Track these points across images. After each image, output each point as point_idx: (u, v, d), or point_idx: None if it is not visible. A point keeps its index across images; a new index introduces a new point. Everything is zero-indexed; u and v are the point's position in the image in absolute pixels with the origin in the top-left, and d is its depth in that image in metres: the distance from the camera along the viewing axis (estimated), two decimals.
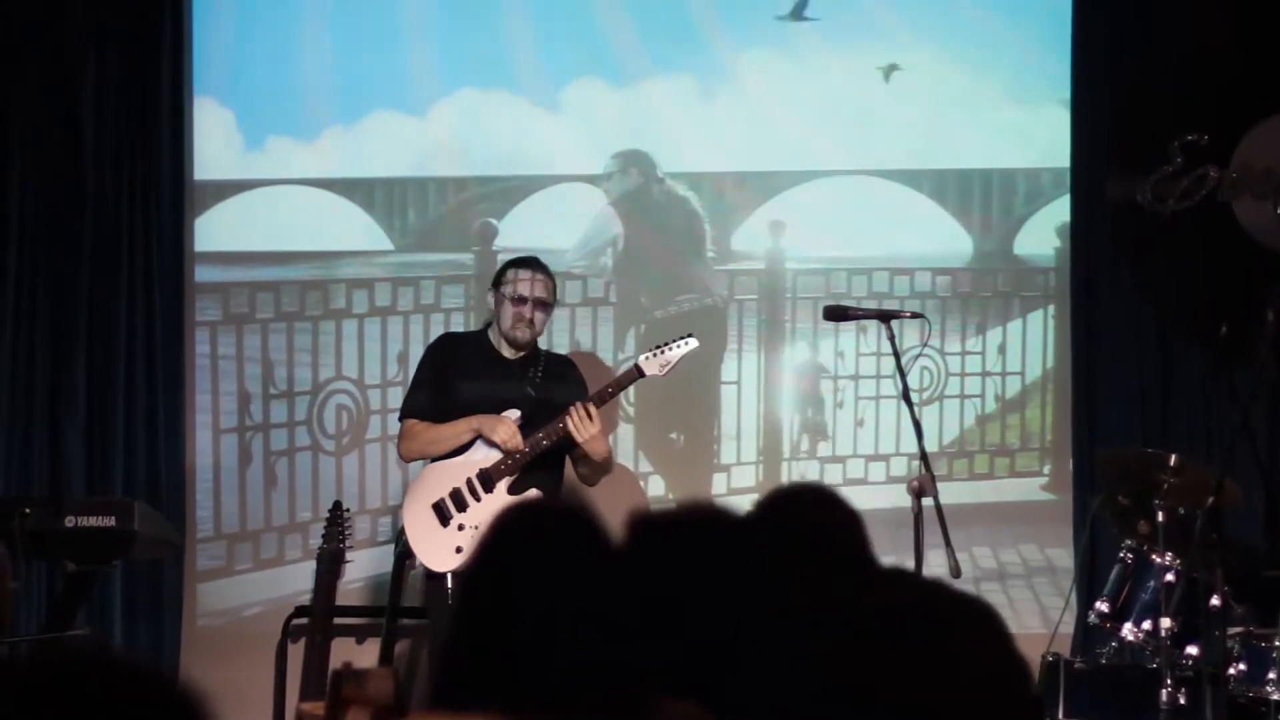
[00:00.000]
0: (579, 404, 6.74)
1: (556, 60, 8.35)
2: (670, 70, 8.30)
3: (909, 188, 8.24)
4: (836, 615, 3.22)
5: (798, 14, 8.20)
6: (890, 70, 8.18)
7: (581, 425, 6.72)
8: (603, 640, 2.65)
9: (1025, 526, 8.18)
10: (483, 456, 6.84)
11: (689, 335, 7.00)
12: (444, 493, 6.84)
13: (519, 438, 6.78)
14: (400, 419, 7.06)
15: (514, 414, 6.84)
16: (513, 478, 6.83)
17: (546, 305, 6.94)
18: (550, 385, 6.93)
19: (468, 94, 8.37)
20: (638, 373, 6.91)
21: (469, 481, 6.84)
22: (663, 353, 6.92)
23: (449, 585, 6.69)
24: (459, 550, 6.73)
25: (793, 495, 3.69)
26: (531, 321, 6.90)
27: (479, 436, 6.83)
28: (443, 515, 6.81)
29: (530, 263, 6.97)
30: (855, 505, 3.48)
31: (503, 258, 8.21)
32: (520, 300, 6.87)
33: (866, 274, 8.24)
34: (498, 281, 6.97)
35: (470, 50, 8.35)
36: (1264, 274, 7.71)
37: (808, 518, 3.48)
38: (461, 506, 6.82)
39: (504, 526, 2.74)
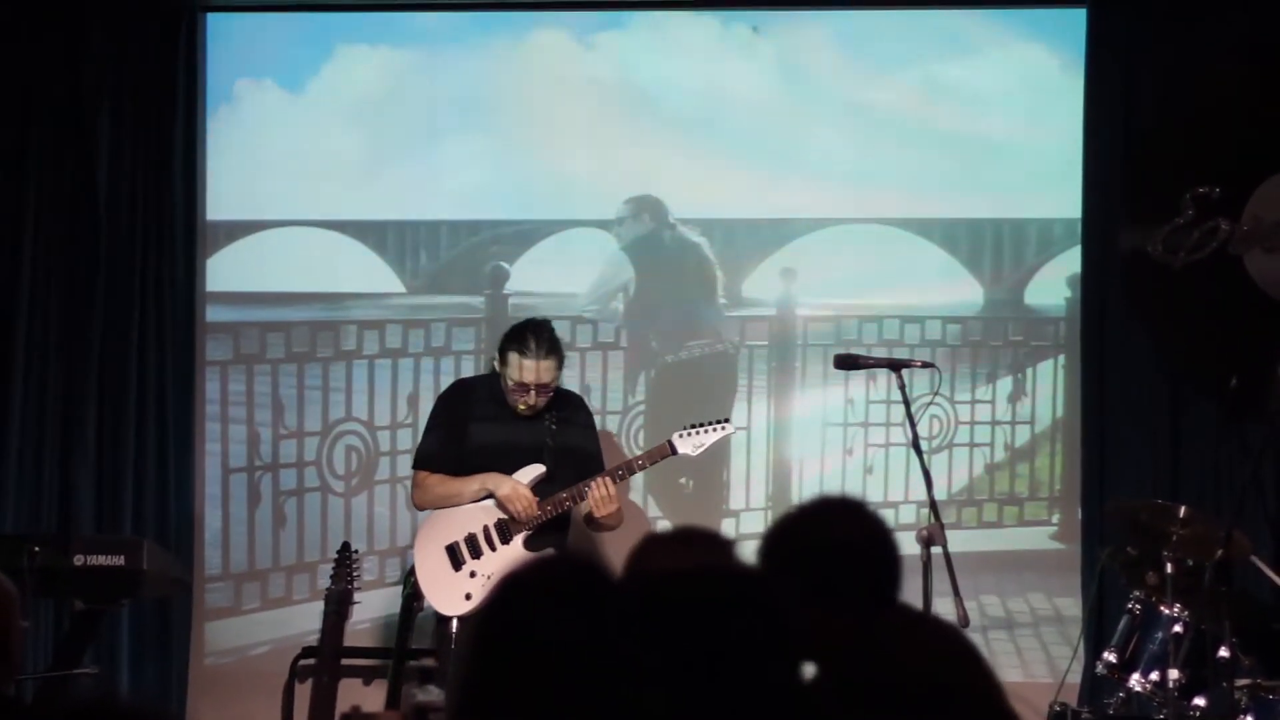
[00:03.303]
0: (600, 481, 6.73)
1: (570, 105, 8.37)
2: (682, 117, 8.31)
3: (920, 237, 8.25)
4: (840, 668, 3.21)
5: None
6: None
7: (603, 503, 6.73)
8: (612, 689, 2.65)
9: (1034, 575, 8.16)
10: (495, 504, 6.85)
11: (726, 420, 7.00)
12: (459, 536, 6.84)
13: (534, 508, 6.78)
14: (414, 467, 7.07)
15: (538, 469, 6.84)
16: (529, 533, 6.83)
17: (547, 387, 6.86)
18: (566, 432, 6.93)
19: (481, 138, 8.39)
20: (670, 449, 6.88)
21: (486, 529, 6.84)
22: (698, 434, 6.88)
23: (454, 629, 6.70)
24: (468, 597, 6.72)
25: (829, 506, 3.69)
26: (533, 405, 6.86)
27: (490, 496, 6.85)
28: (455, 559, 6.81)
29: (529, 348, 6.80)
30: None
31: (514, 301, 8.26)
32: (521, 388, 6.83)
33: (877, 322, 8.24)
34: (502, 354, 6.87)
35: (484, 95, 8.37)
36: (1275, 327, 7.71)
37: (843, 529, 3.51)
38: (476, 553, 6.82)
39: (520, 579, 2.75)
